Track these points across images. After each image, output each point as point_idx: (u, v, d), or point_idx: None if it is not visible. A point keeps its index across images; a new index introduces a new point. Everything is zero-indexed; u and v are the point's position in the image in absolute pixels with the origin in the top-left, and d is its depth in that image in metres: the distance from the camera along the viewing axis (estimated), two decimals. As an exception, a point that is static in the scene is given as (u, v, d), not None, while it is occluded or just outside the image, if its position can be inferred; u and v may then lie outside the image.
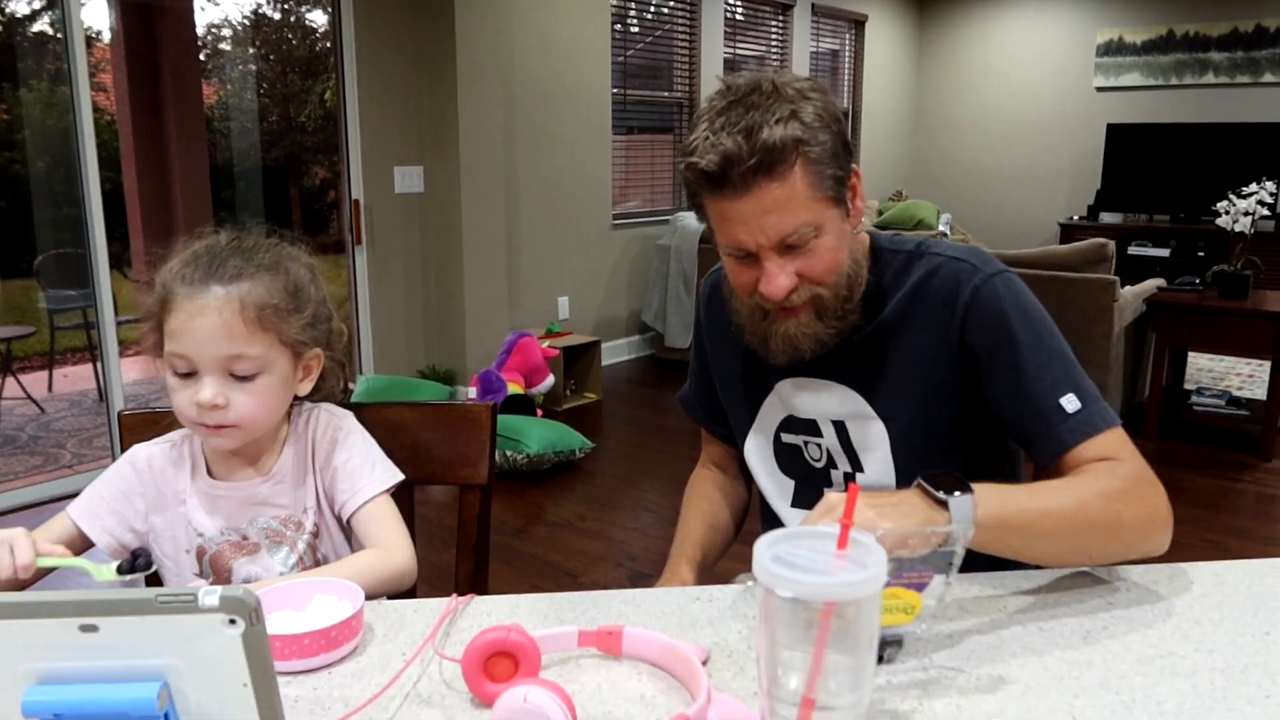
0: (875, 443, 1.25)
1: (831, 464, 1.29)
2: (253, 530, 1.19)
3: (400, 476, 1.24)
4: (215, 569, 1.19)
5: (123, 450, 1.30)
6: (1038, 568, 1.35)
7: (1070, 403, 1.13)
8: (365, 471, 1.21)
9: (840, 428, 1.27)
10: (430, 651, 0.96)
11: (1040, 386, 1.15)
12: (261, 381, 1.12)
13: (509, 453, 3.79)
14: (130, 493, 1.18)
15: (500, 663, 0.86)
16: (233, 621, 0.67)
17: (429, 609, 1.07)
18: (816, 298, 1.15)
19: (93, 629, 0.68)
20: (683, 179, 1.15)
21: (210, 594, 0.67)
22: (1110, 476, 1.09)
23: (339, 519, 1.22)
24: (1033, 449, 1.17)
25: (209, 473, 1.21)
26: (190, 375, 1.09)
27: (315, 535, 1.22)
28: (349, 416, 1.26)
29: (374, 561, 1.13)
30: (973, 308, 1.17)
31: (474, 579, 1.37)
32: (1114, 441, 1.13)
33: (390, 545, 1.16)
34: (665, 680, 0.91)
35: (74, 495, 1.16)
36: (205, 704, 0.71)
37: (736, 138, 1.05)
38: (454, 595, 1.07)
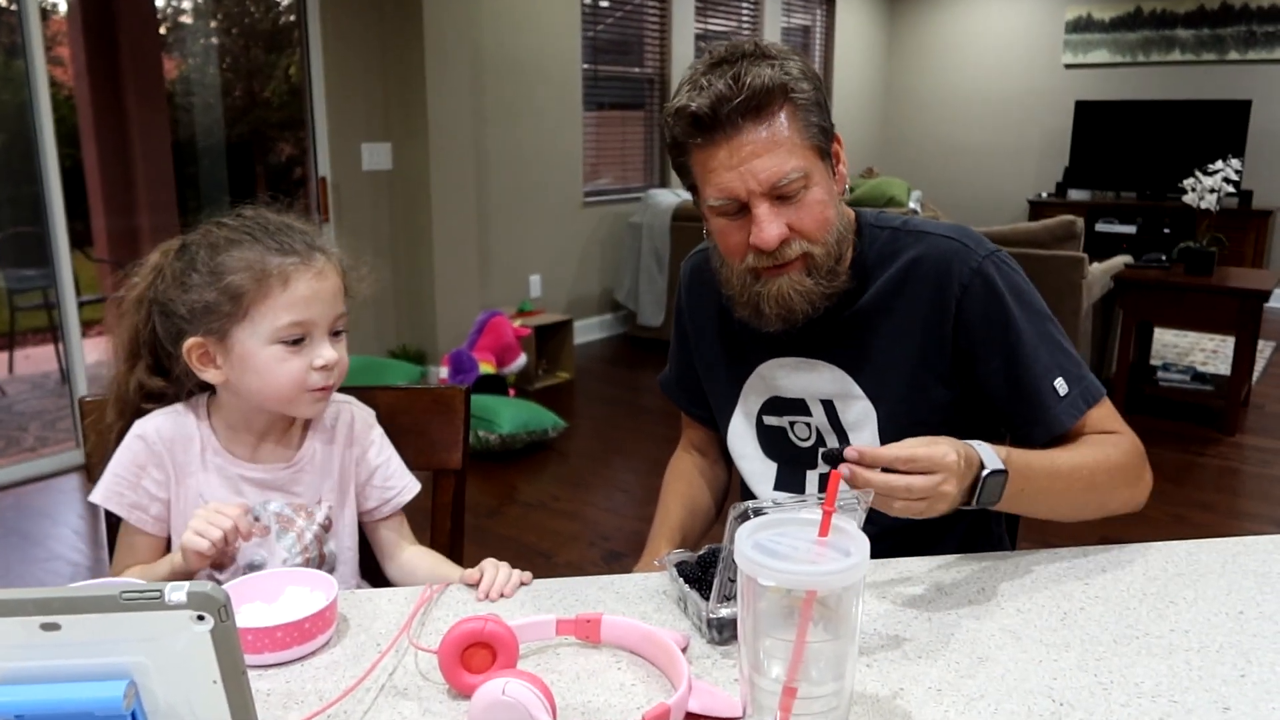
0: (863, 422, 1.24)
1: (821, 443, 1.28)
2: (264, 514, 1.17)
3: (418, 485, 1.29)
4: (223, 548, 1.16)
5: (84, 436, 1.27)
6: (1012, 544, 1.36)
7: (1060, 385, 1.17)
8: (402, 473, 1.27)
9: (829, 407, 1.26)
10: (405, 642, 0.94)
11: (1035, 370, 1.17)
12: (344, 339, 1.17)
13: (481, 433, 3.77)
14: (146, 465, 1.15)
15: (477, 653, 0.85)
16: (201, 618, 0.65)
17: (403, 597, 1.05)
18: (808, 255, 1.14)
19: (55, 627, 0.66)
20: (668, 136, 1.14)
21: (177, 590, 0.65)
22: (1111, 448, 1.15)
23: (359, 516, 1.25)
24: (1024, 431, 1.19)
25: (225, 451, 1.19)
26: (299, 343, 1.10)
27: (326, 528, 1.21)
28: (374, 413, 1.28)
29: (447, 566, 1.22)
30: (969, 290, 1.18)
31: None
32: (1103, 414, 1.19)
33: (432, 551, 1.25)
34: (645, 668, 0.90)
35: (39, 479, 1.14)
36: (174, 702, 0.69)
37: (726, 80, 1.07)
38: (428, 584, 1.05)
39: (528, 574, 1.08)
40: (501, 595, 1.05)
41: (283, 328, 1.09)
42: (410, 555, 1.25)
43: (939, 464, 0.95)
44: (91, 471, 1.27)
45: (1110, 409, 1.20)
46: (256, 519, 1.17)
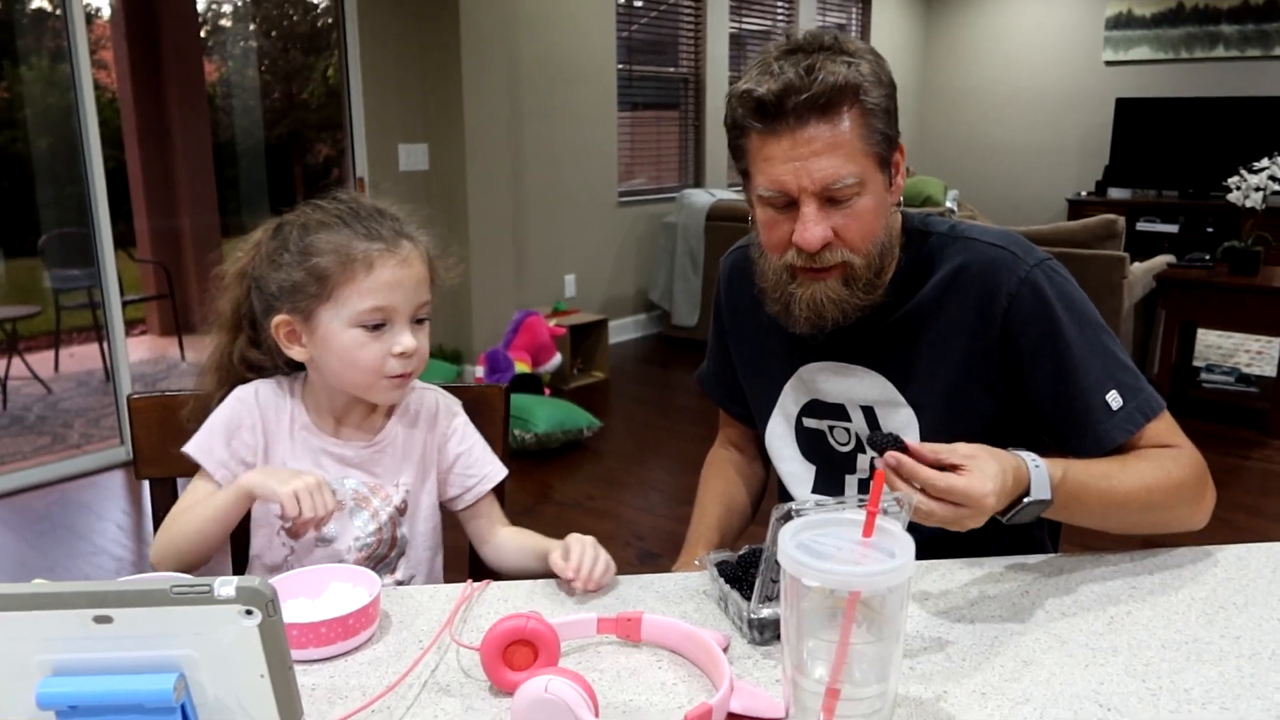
0: (904, 429, 1.22)
1: (860, 449, 1.27)
2: (341, 490, 1.19)
3: (505, 470, 1.30)
4: (297, 520, 1.18)
5: (133, 431, 1.29)
6: (1054, 548, 1.34)
7: (1114, 399, 1.13)
8: (489, 459, 1.28)
9: (869, 413, 1.24)
10: (447, 639, 0.95)
11: (1085, 383, 1.13)
12: (427, 327, 1.18)
13: (517, 432, 3.79)
14: (241, 426, 1.17)
15: (519, 651, 0.85)
16: (249, 612, 0.66)
17: (444, 595, 1.06)
18: (847, 264, 1.12)
19: (107, 620, 0.67)
20: (730, 116, 1.12)
21: (226, 584, 0.65)
22: (1172, 464, 1.11)
23: (441, 502, 1.27)
24: (1074, 445, 1.14)
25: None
26: (379, 328, 1.12)
27: (401, 511, 1.22)
28: (459, 402, 1.30)
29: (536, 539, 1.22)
30: (1017, 300, 1.14)
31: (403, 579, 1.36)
32: (1161, 429, 1.14)
33: (524, 529, 1.26)
34: (686, 668, 0.90)
35: (84, 475, 1.17)
36: (222, 695, 0.70)
37: (798, 70, 1.04)
38: (469, 581, 1.06)
39: (611, 564, 1.08)
40: (599, 587, 1.05)
41: (364, 312, 1.10)
42: (502, 536, 1.25)
43: (975, 503, 0.91)
44: (140, 466, 1.29)
45: (1170, 422, 1.15)
46: (333, 492, 1.18)
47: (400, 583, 1.23)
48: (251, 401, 1.18)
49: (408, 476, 1.23)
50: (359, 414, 1.21)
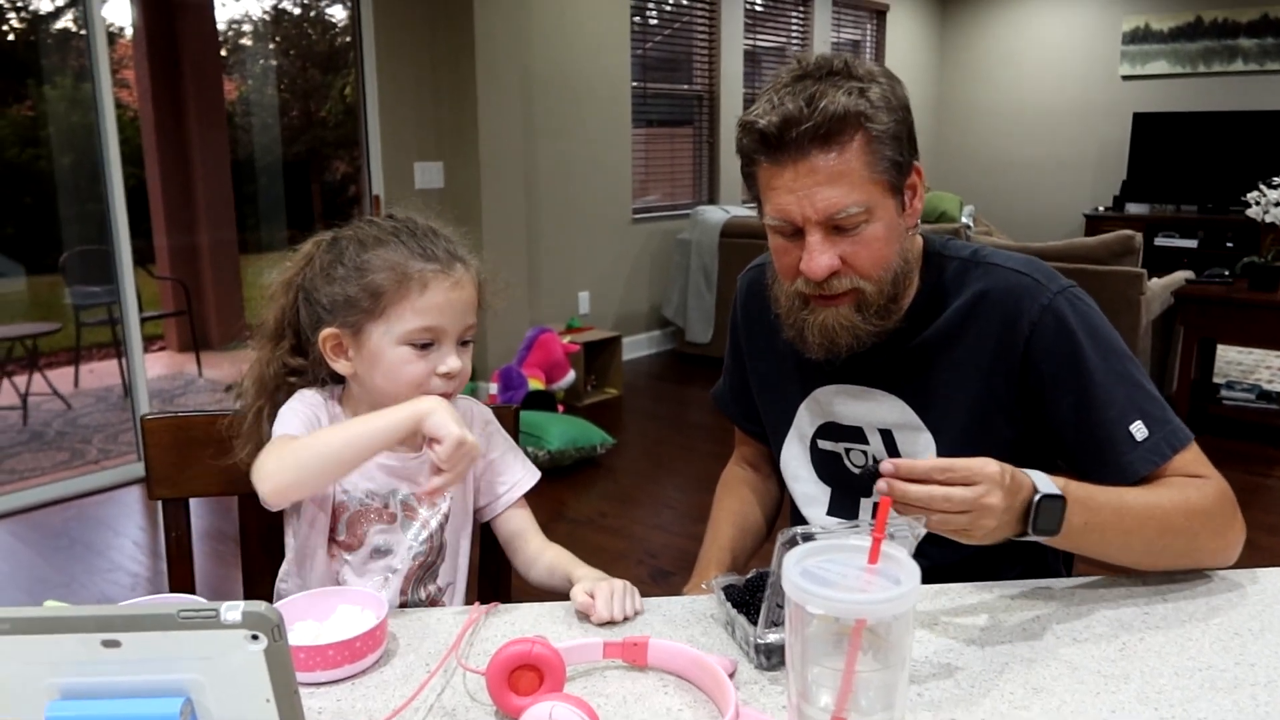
0: (922, 454, 1.21)
1: (877, 472, 1.26)
2: (393, 501, 1.19)
3: (538, 474, 1.29)
4: (351, 530, 1.18)
5: (146, 452, 1.29)
6: (1068, 572, 1.33)
7: (1139, 430, 1.10)
8: (514, 470, 1.28)
9: (887, 436, 1.23)
10: (454, 662, 0.95)
11: (1109, 414, 1.11)
12: (471, 349, 1.18)
13: (530, 449, 3.79)
14: (317, 420, 1.16)
15: (525, 675, 0.85)
16: (255, 637, 0.66)
17: (452, 618, 1.06)
18: (858, 291, 1.11)
19: (115, 644, 0.67)
20: (738, 144, 1.12)
21: (233, 609, 0.66)
22: (1194, 491, 1.08)
23: (476, 510, 1.27)
24: (1096, 476, 1.10)
25: None
26: (427, 347, 1.12)
27: (446, 519, 1.22)
28: (491, 412, 1.31)
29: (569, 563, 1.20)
30: (1039, 328, 1.13)
31: (497, 582, 1.36)
32: (1189, 460, 1.11)
33: (561, 548, 1.24)
34: (692, 693, 0.90)
35: (102, 491, 1.16)
36: (228, 719, 0.70)
37: (799, 102, 1.04)
38: (476, 604, 1.06)
39: (637, 597, 1.07)
40: (625, 618, 1.04)
41: (414, 331, 1.11)
42: (533, 550, 1.24)
43: (978, 474, 0.91)
44: (154, 486, 1.30)
45: (1198, 454, 1.12)
46: (385, 506, 1.19)
47: (440, 589, 1.23)
48: (315, 402, 1.18)
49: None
50: None
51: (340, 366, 1.16)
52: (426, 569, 1.21)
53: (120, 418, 4.71)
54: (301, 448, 1.04)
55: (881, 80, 1.09)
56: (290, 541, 1.21)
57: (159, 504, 1.32)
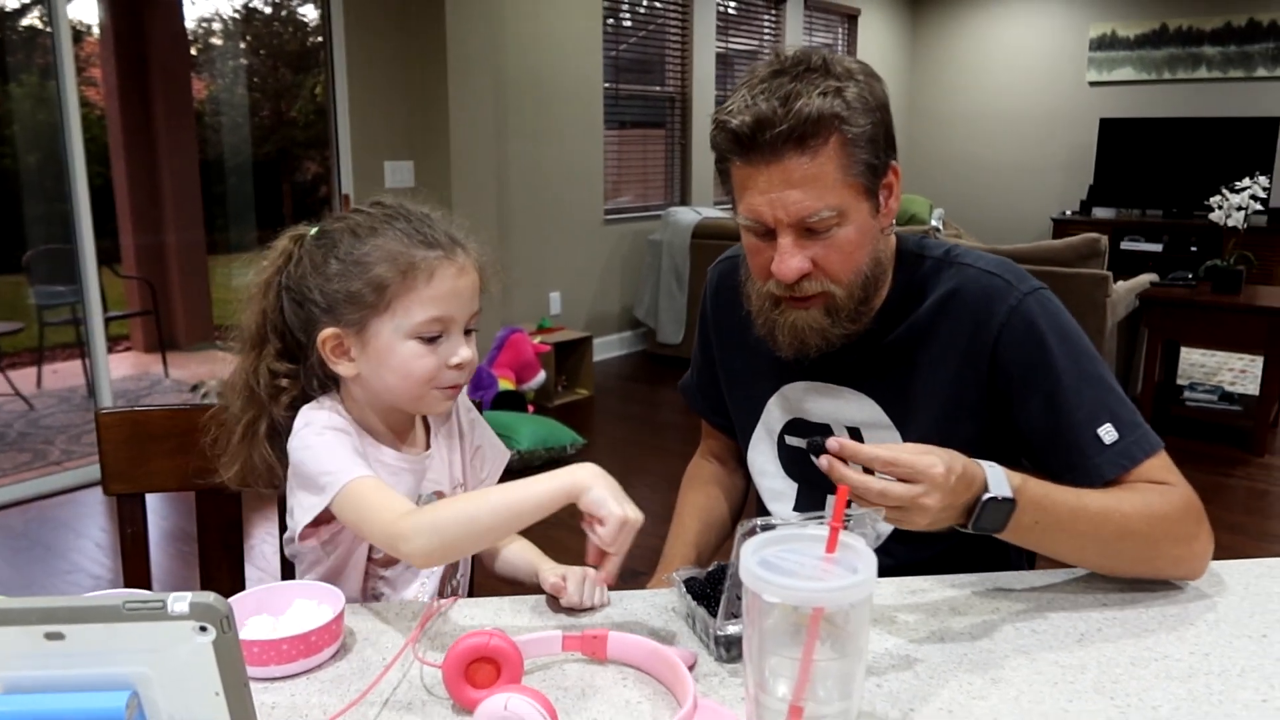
0: None
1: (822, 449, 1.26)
2: (420, 502, 1.14)
3: (508, 452, 1.29)
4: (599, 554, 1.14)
5: (101, 447, 1.26)
6: (1030, 566, 1.34)
7: (1108, 433, 1.08)
8: (495, 449, 1.27)
9: (855, 434, 1.23)
10: (410, 656, 0.94)
11: (1077, 416, 1.10)
12: (474, 337, 1.13)
13: (500, 449, 3.77)
14: (356, 449, 1.07)
15: (482, 668, 0.84)
16: (203, 629, 0.65)
17: (411, 611, 1.05)
18: (828, 294, 1.11)
19: (59, 637, 0.66)
20: (712, 140, 1.10)
21: (180, 600, 0.64)
22: (1156, 496, 1.06)
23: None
24: (1067, 480, 1.08)
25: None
26: (435, 339, 1.07)
27: None
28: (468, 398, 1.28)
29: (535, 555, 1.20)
30: (1007, 328, 1.12)
31: (460, 578, 1.35)
32: (1157, 466, 1.09)
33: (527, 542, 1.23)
34: (651, 686, 0.89)
35: (63, 492, 1.13)
36: (176, 713, 0.69)
37: (773, 102, 1.02)
38: (435, 598, 1.05)
39: (604, 589, 1.06)
40: (592, 607, 1.04)
41: (423, 323, 1.05)
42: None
43: (923, 474, 0.91)
44: (108, 481, 1.28)
45: (1166, 462, 1.10)
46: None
47: (459, 581, 1.22)
48: (338, 424, 1.09)
49: (458, 474, 1.21)
50: (402, 426, 1.16)
51: (343, 368, 1.08)
52: (454, 565, 1.20)
53: (84, 419, 4.64)
54: (447, 522, 0.96)
55: (860, 78, 1.07)
56: (310, 561, 1.14)
57: (115, 504, 1.30)
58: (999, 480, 0.98)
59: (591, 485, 0.94)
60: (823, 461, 0.92)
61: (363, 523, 1.00)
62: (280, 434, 1.11)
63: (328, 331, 1.07)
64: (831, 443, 0.92)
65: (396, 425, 1.15)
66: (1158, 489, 1.07)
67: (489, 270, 1.14)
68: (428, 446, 1.19)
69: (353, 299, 1.05)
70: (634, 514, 0.93)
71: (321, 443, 1.05)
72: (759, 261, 1.13)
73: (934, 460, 0.93)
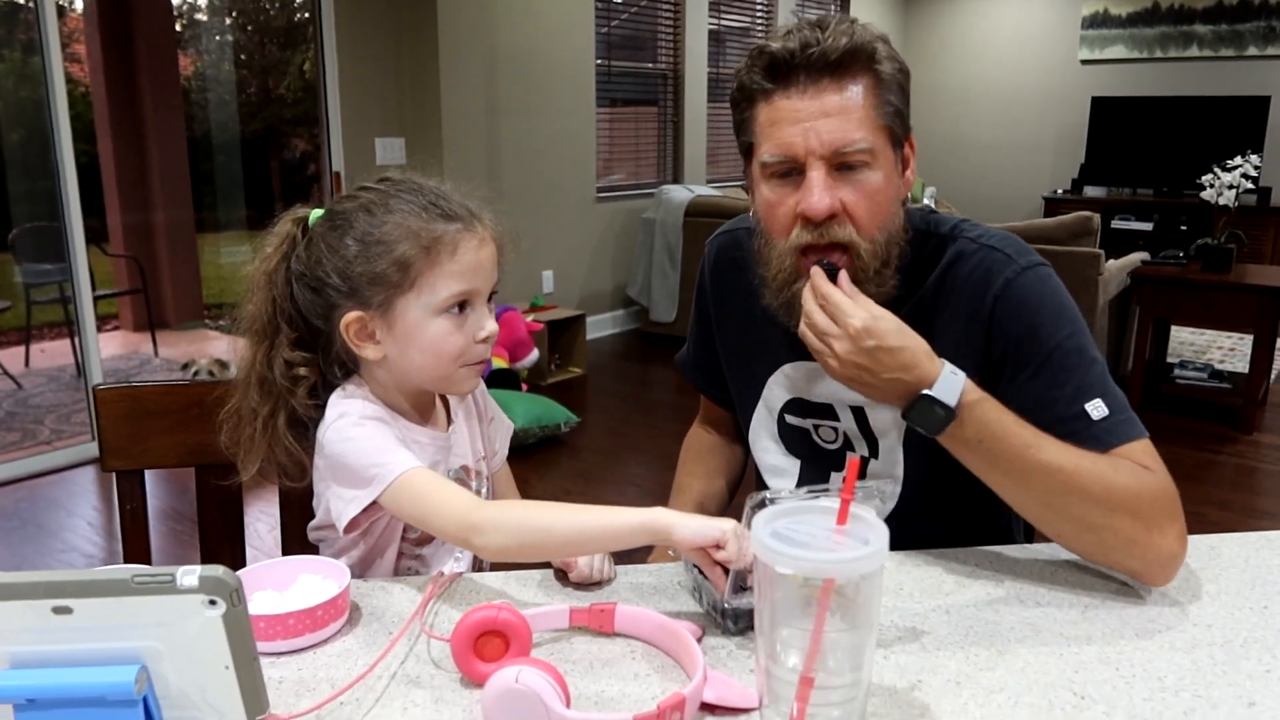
0: (889, 428, 1.20)
1: (849, 446, 1.24)
2: (449, 478, 1.12)
3: (511, 424, 1.31)
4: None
5: (100, 423, 1.26)
6: (1030, 540, 1.34)
7: (1096, 409, 1.06)
8: (503, 420, 1.29)
9: (859, 413, 1.22)
10: (417, 630, 0.94)
11: (1065, 390, 1.08)
12: (494, 308, 1.11)
13: (494, 428, 3.77)
14: (397, 438, 1.05)
15: (490, 642, 0.84)
16: (213, 602, 0.65)
17: (416, 586, 1.04)
18: (854, 246, 1.07)
19: (67, 611, 0.65)
20: (738, 85, 1.10)
21: (189, 574, 0.64)
22: (1127, 470, 1.02)
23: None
24: None
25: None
26: (461, 313, 1.05)
27: (490, 485, 1.22)
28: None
29: None
30: (1002, 300, 1.11)
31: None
32: (1139, 450, 1.06)
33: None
34: (660, 658, 0.89)
35: (54, 471, 1.11)
36: (186, 687, 0.69)
37: (816, 33, 1.05)
38: (440, 573, 1.04)
39: (610, 563, 1.07)
40: (598, 582, 1.05)
41: (449, 298, 1.03)
42: None
43: (842, 319, 1.01)
44: (107, 458, 1.27)
45: (1149, 448, 1.06)
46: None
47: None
48: (376, 414, 1.06)
49: (481, 449, 1.22)
50: (426, 405, 1.15)
51: (369, 351, 1.06)
52: None
53: (73, 397, 4.62)
54: (525, 526, 0.96)
55: (887, 41, 1.10)
56: (341, 547, 1.12)
57: (114, 480, 1.29)
58: (951, 387, 0.99)
59: (672, 524, 0.92)
60: (815, 273, 1.04)
61: (429, 515, 0.98)
62: (302, 424, 1.09)
63: (351, 315, 1.04)
64: (816, 271, 1.04)
65: (421, 405, 1.14)
66: (1129, 465, 1.03)
67: (505, 241, 1.11)
68: (448, 423, 1.18)
69: (376, 279, 1.02)
70: (728, 523, 0.92)
71: (362, 434, 1.03)
72: (780, 211, 1.09)
73: (861, 315, 1.01)
